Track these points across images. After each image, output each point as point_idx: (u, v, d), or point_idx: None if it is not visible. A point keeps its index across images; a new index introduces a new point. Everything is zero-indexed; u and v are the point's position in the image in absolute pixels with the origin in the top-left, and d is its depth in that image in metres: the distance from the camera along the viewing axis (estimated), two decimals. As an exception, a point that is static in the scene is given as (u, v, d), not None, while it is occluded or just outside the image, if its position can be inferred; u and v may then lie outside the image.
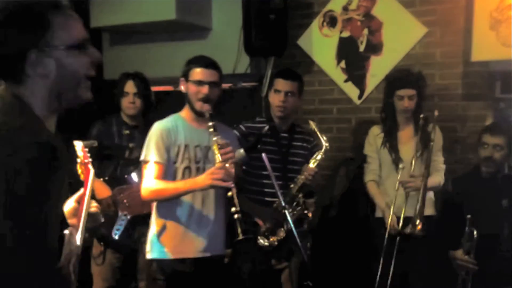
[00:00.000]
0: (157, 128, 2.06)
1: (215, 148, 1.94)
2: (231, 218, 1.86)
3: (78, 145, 1.66)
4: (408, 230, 2.30)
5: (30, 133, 0.93)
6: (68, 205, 1.33)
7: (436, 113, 2.46)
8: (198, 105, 2.03)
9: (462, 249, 2.18)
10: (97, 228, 2.44)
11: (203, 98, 2.02)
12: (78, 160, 1.65)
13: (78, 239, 1.23)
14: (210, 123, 1.97)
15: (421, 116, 2.50)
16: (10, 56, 0.98)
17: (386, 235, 2.44)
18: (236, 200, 1.85)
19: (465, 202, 2.23)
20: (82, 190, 1.37)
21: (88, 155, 1.64)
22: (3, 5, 0.97)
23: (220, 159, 1.91)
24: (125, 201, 2.46)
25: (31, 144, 0.91)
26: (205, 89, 2.02)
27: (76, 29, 1.03)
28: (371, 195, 2.65)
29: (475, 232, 2.14)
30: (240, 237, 1.82)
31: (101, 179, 2.51)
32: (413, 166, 2.49)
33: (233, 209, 1.84)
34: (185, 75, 2.07)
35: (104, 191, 2.46)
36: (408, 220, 2.38)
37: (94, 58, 1.06)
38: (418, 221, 2.27)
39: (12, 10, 0.97)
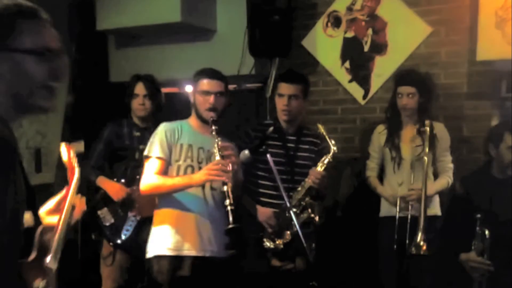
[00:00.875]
0: (162, 127, 2.17)
1: (215, 146, 2.03)
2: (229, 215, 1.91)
3: (63, 149, 1.58)
4: (412, 251, 2.30)
5: None
6: (48, 206, 1.37)
7: (427, 122, 2.44)
8: (205, 114, 2.15)
9: (474, 251, 2.14)
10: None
11: (210, 108, 2.12)
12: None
13: (56, 238, 1.27)
14: (214, 127, 2.07)
15: (426, 122, 2.50)
16: None
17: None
18: (230, 194, 1.92)
19: (476, 202, 2.20)
20: (64, 191, 1.39)
21: (75, 160, 1.58)
22: None
23: (219, 157, 1.99)
24: (135, 201, 2.49)
25: None
26: (211, 99, 2.13)
27: (42, 37, 1.04)
28: (373, 188, 2.71)
29: (487, 232, 2.10)
30: (231, 226, 1.88)
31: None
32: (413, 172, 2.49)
33: (227, 201, 1.91)
34: (194, 86, 2.20)
35: (114, 185, 2.49)
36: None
37: (56, 68, 1.06)
38: (422, 243, 2.28)
39: None
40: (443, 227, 2.43)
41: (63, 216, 1.34)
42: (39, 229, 1.16)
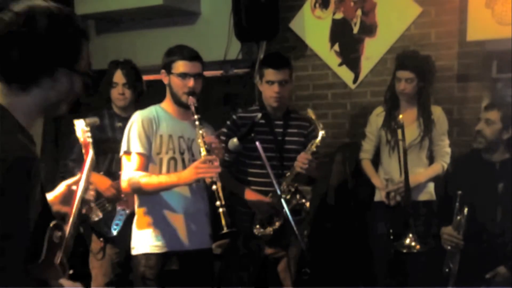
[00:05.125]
0: (138, 117, 2.07)
1: (200, 141, 1.98)
2: (216, 212, 1.90)
3: (79, 125, 1.64)
4: (404, 250, 2.37)
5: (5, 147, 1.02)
6: (58, 190, 1.40)
7: (400, 117, 2.48)
8: (184, 98, 2.07)
9: (451, 225, 2.27)
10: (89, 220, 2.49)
11: (189, 92, 2.05)
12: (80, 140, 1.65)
13: (68, 227, 1.30)
14: (196, 116, 2.01)
15: (400, 117, 2.48)
16: (39, 66, 1.09)
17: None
18: (221, 194, 1.89)
19: (462, 183, 2.28)
20: (78, 175, 1.45)
21: (89, 135, 1.64)
22: (49, 19, 1.08)
23: (205, 152, 1.95)
24: (122, 195, 2.49)
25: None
26: (190, 82, 2.05)
27: (89, 58, 1.18)
28: (365, 173, 2.76)
29: (465, 209, 2.20)
30: (225, 230, 1.87)
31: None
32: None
33: (217, 202, 1.89)
34: (167, 67, 2.09)
35: (104, 181, 2.49)
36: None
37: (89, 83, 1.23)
38: (414, 243, 2.35)
39: (58, 26, 1.09)
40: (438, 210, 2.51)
41: (76, 200, 1.38)
42: (51, 225, 1.19)
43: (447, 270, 2.26)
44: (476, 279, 2.20)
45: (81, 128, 1.65)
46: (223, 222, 1.87)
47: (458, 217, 2.22)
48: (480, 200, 2.22)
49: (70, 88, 1.14)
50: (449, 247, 2.27)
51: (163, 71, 2.11)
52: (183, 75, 2.05)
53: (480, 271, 2.21)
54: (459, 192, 2.20)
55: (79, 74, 1.15)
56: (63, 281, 1.16)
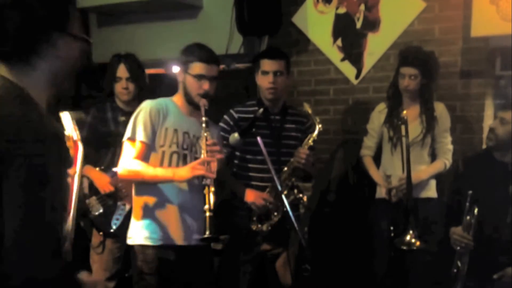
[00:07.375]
0: (146, 106, 2.09)
1: (203, 143, 2.00)
2: (217, 208, 1.91)
3: (66, 117, 1.63)
4: (404, 247, 2.36)
5: (35, 125, 1.04)
6: None
7: (404, 113, 2.46)
8: (197, 99, 2.08)
9: (461, 226, 2.24)
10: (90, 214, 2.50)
11: (203, 94, 2.07)
12: (66, 134, 1.65)
13: (70, 219, 1.32)
14: (204, 118, 2.03)
15: (403, 113, 2.46)
16: (35, 32, 1.09)
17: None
18: (211, 198, 1.89)
19: (473, 183, 2.26)
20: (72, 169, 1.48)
21: (77, 131, 1.64)
22: None
23: (205, 154, 1.97)
24: (123, 190, 2.50)
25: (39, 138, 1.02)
26: (206, 85, 2.07)
27: (80, 24, 1.18)
28: (366, 170, 2.76)
29: (476, 210, 2.19)
30: (206, 235, 1.87)
31: (98, 168, 2.55)
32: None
33: (206, 206, 1.89)
34: (184, 66, 2.10)
35: (102, 178, 2.50)
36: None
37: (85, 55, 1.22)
38: (414, 240, 2.34)
39: None
40: (443, 207, 2.48)
41: (74, 194, 1.38)
42: None
43: (455, 270, 2.24)
44: (483, 279, 2.18)
45: (70, 122, 1.64)
46: (207, 227, 1.86)
47: (468, 217, 2.19)
48: (491, 200, 2.20)
49: (71, 55, 1.14)
50: (458, 248, 2.24)
51: (180, 69, 2.12)
52: (199, 77, 2.06)
53: (488, 272, 2.17)
54: (470, 192, 2.18)
55: (74, 38, 1.14)
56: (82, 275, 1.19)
